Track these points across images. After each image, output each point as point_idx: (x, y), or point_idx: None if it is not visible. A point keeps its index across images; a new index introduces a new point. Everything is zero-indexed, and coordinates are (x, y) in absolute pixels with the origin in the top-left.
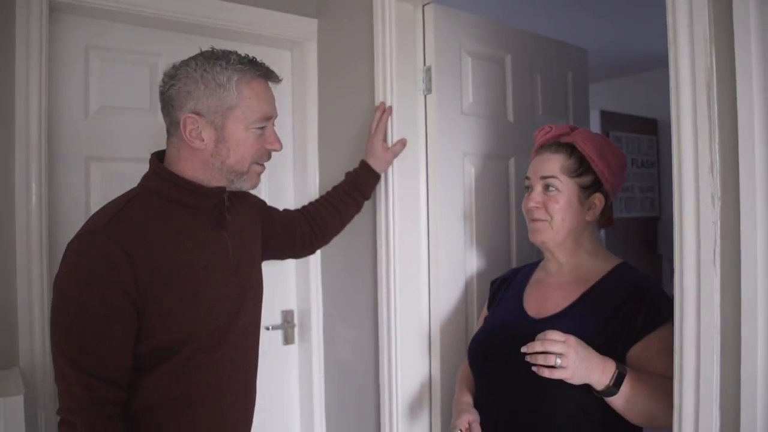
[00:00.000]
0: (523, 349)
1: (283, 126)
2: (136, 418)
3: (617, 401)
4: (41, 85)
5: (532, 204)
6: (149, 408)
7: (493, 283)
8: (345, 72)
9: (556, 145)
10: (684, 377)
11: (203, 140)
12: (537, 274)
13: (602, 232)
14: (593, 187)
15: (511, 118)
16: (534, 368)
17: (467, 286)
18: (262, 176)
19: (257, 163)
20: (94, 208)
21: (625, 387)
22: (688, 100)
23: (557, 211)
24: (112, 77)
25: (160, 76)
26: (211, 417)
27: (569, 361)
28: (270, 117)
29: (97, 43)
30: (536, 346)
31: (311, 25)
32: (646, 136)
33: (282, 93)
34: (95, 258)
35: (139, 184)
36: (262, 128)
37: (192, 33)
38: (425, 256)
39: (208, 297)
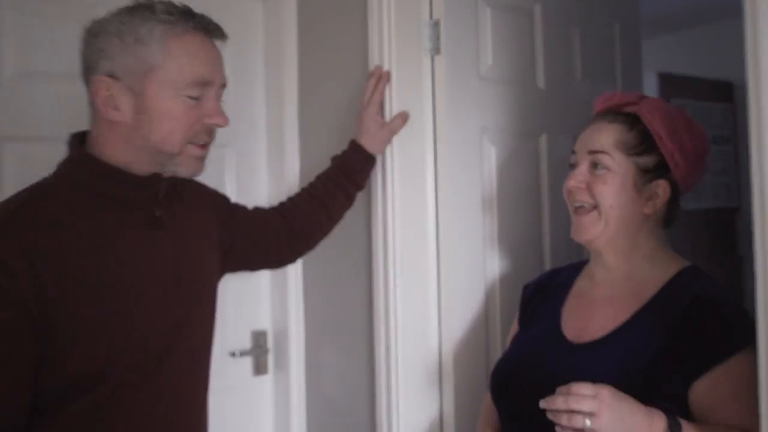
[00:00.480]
0: (542, 404)
1: (254, 97)
2: None
3: None
4: None
5: (572, 182)
6: None
7: (525, 288)
8: (332, 27)
9: (614, 113)
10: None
11: (119, 110)
12: (580, 283)
13: None
14: (657, 171)
15: (541, 84)
16: (557, 429)
17: (487, 298)
18: (228, 164)
19: (194, 143)
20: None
21: None
22: None
23: (605, 195)
24: (33, 35)
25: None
26: None
27: (602, 422)
28: (208, 82)
29: None
30: (559, 402)
31: None
32: (719, 104)
33: (252, 54)
34: None
35: (54, 172)
36: (196, 97)
37: None
38: (433, 261)
39: (138, 316)
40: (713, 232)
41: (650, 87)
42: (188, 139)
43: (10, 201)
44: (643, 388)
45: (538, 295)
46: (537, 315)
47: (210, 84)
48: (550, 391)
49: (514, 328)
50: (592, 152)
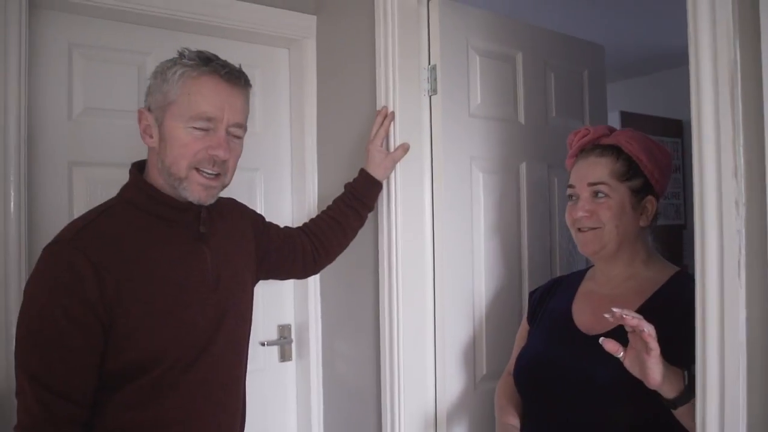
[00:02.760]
0: (612, 314)
1: (280, 129)
2: None
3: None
4: (21, 86)
5: (580, 213)
6: (117, 429)
7: (532, 294)
8: (345, 71)
9: (600, 148)
10: (707, 398)
11: (152, 137)
12: (585, 285)
13: None
14: (644, 190)
15: (522, 120)
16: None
17: (475, 294)
18: (258, 186)
19: (198, 170)
20: (78, 215)
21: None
22: (709, 97)
23: (610, 218)
24: (97, 77)
25: (148, 76)
26: None
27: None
28: (212, 118)
29: (82, 41)
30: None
31: (310, 21)
32: (670, 139)
33: (279, 95)
34: (60, 269)
35: (117, 194)
36: (204, 130)
37: (183, 30)
38: (430, 269)
39: (182, 315)
40: (664, 245)
41: (613, 124)
42: (193, 165)
43: (80, 218)
44: None
45: (546, 297)
46: (548, 311)
47: (215, 120)
48: (572, 374)
49: (524, 327)
50: (592, 184)
